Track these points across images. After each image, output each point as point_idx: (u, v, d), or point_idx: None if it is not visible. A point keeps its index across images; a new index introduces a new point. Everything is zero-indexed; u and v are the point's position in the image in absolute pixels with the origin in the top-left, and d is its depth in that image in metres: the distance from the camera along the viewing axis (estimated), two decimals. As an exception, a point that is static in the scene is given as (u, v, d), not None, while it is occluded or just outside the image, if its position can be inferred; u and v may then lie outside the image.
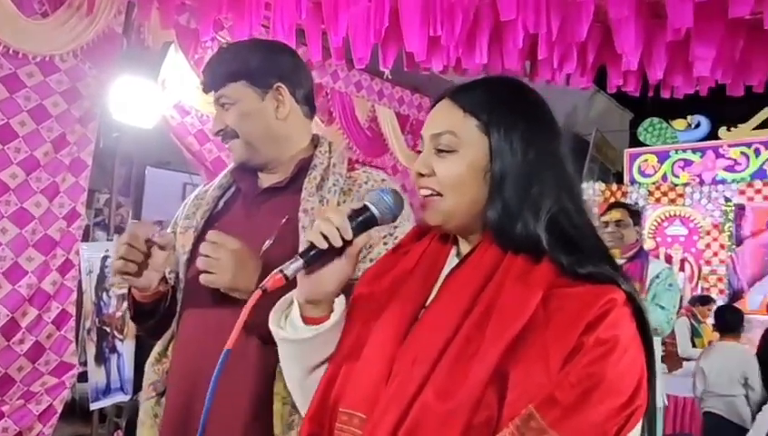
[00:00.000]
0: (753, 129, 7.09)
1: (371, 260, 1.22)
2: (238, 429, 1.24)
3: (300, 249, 0.92)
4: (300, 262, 0.90)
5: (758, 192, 6.87)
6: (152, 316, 1.39)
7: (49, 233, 3.16)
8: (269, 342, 1.04)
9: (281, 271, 0.90)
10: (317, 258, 0.91)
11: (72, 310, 3.29)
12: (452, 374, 0.80)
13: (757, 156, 6.94)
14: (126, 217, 4.74)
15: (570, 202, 0.88)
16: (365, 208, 0.93)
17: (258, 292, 0.90)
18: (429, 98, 5.65)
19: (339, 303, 0.97)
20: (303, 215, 1.31)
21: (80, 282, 3.34)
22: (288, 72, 1.42)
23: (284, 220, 1.31)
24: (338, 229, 0.90)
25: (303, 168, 1.39)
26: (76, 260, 3.28)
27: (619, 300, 0.81)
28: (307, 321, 0.96)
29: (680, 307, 3.05)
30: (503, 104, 0.91)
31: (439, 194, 0.91)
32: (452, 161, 0.90)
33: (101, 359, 3.47)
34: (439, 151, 0.91)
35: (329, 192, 1.35)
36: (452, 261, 0.95)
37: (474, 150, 0.89)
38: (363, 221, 0.92)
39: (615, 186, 7.70)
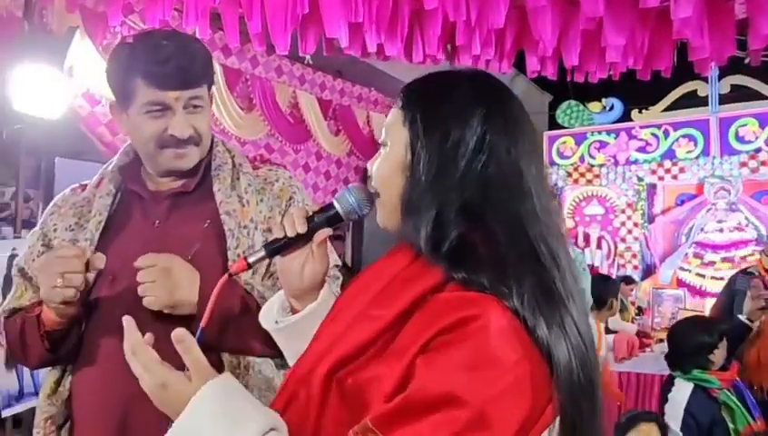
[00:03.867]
0: (663, 111, 7.41)
1: None
2: None
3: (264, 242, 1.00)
4: (263, 251, 0.97)
5: (668, 171, 7.20)
6: (65, 342, 1.26)
7: (-52, 233, 2.96)
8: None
9: (245, 257, 0.97)
10: (278, 249, 0.97)
11: (-23, 313, 3.10)
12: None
13: (666, 137, 7.27)
14: (36, 211, 4.49)
15: (488, 206, 0.79)
16: (330, 205, 0.98)
17: (225, 277, 0.96)
18: (352, 83, 5.60)
19: (321, 296, 1.00)
20: (228, 218, 1.27)
21: (-15, 284, 3.15)
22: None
23: (207, 224, 1.26)
24: (294, 222, 0.95)
25: (206, 169, 1.34)
26: (-21, 260, 3.08)
27: (487, 314, 0.71)
28: (293, 313, 1.02)
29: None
30: (431, 99, 0.85)
31: (378, 194, 0.91)
32: (382, 157, 0.89)
33: (12, 363, 3.29)
34: (382, 147, 0.91)
35: (246, 192, 1.31)
36: None
37: (397, 145, 0.85)
38: (327, 217, 0.98)
39: (535, 168, 7.89)
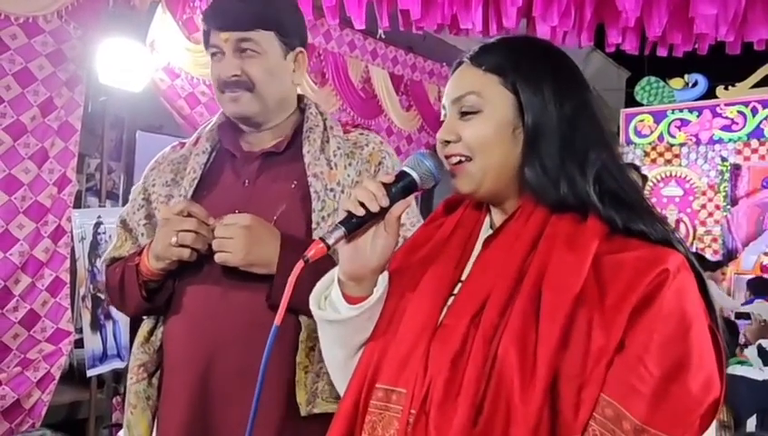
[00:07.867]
0: (751, 87, 7.01)
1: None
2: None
3: (339, 219, 0.89)
4: (342, 230, 0.86)
5: (755, 151, 6.82)
6: (161, 292, 1.31)
7: (39, 200, 3.11)
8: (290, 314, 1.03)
9: (323, 239, 0.86)
10: (357, 226, 0.87)
11: (66, 277, 3.26)
12: (521, 337, 0.75)
13: (754, 115, 6.87)
14: (118, 182, 4.67)
15: (609, 157, 0.84)
16: (404, 173, 0.90)
17: (300, 264, 0.86)
18: (424, 58, 5.55)
19: (382, 280, 0.92)
20: (314, 180, 1.27)
21: (72, 249, 3.31)
22: (306, 36, 1.36)
23: (293, 185, 1.26)
24: (374, 195, 0.86)
25: (297, 131, 1.34)
26: (68, 226, 3.24)
27: (673, 266, 0.74)
28: (349, 300, 0.91)
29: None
30: (527, 58, 0.87)
31: (468, 159, 0.86)
32: (478, 121, 0.86)
33: (96, 326, 3.45)
34: (463, 114, 0.87)
35: (335, 155, 1.31)
36: (486, 232, 0.91)
37: (500, 107, 0.85)
38: (403, 186, 0.89)
39: (610, 146, 7.63)
